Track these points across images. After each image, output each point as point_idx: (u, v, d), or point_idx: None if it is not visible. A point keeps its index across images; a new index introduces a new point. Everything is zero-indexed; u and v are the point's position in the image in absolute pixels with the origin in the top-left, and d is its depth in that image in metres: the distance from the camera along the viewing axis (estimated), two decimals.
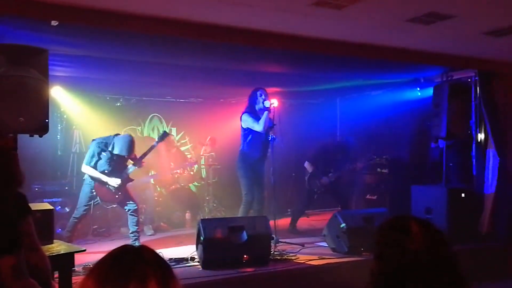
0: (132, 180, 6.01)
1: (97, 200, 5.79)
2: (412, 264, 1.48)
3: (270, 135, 6.01)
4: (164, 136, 6.29)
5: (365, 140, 8.22)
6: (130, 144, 5.83)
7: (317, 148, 7.44)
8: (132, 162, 6.00)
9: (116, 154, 5.78)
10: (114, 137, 5.87)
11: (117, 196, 5.80)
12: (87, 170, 5.77)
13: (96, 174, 5.73)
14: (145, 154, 6.01)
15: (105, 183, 5.74)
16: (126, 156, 5.85)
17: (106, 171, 5.77)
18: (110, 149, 5.78)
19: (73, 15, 4.10)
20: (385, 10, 4.30)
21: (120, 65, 6.24)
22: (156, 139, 6.17)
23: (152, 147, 6.11)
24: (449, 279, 1.48)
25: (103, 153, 5.76)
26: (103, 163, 5.77)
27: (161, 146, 8.27)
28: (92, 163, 5.75)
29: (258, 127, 6.03)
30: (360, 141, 8.06)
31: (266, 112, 6.00)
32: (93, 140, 5.93)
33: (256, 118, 6.09)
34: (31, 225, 2.29)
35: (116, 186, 5.76)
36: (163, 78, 7.36)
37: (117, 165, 5.84)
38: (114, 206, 5.87)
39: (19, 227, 2.18)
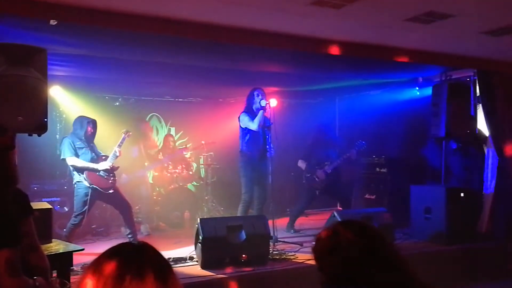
0: (117, 167, 5.97)
1: (89, 206, 5.74)
2: (347, 270, 1.47)
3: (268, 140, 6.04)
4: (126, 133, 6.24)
5: (348, 133, 8.23)
6: (81, 119, 5.90)
7: (308, 145, 7.45)
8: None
9: (82, 138, 5.79)
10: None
11: (110, 181, 5.83)
12: (73, 161, 5.71)
13: (83, 163, 5.72)
14: (121, 142, 6.03)
15: (96, 170, 5.75)
16: (86, 130, 5.82)
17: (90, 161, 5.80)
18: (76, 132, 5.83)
19: (72, 15, 4.09)
20: (384, 9, 4.30)
21: (119, 64, 6.23)
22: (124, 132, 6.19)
23: (123, 139, 6.09)
24: (394, 279, 1.47)
25: (78, 142, 5.76)
26: (82, 155, 5.77)
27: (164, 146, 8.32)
28: (74, 153, 5.72)
29: (253, 125, 6.07)
30: (342, 134, 8.05)
31: (261, 111, 6.04)
32: (64, 137, 5.99)
33: (252, 117, 6.13)
34: (32, 225, 2.28)
35: (107, 168, 5.77)
36: (162, 78, 7.35)
37: (91, 150, 5.85)
38: (111, 192, 5.85)
39: (18, 223, 2.16)
